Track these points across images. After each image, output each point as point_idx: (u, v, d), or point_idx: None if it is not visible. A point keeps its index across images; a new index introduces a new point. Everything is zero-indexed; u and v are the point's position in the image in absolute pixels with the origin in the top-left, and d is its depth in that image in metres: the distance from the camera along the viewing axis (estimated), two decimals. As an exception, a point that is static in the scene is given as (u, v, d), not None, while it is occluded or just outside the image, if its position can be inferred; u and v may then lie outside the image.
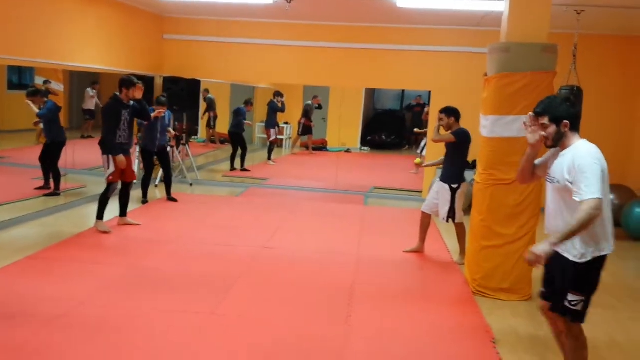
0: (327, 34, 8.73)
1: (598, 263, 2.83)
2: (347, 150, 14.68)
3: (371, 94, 16.52)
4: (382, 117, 16.53)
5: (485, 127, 4.58)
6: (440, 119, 5.46)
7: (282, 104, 11.46)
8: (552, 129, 2.88)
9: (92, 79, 10.81)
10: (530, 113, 2.98)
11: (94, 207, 6.89)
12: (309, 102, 12.88)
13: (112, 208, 6.03)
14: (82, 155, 7.68)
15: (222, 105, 12.68)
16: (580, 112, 3.01)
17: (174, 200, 7.47)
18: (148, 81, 8.64)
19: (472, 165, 7.27)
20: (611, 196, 2.92)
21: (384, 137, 15.81)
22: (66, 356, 3.17)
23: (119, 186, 5.97)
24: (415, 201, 8.37)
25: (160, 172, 7.84)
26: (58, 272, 4.59)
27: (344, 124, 14.97)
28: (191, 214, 6.85)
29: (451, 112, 5.41)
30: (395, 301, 4.34)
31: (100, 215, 5.82)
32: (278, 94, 11.40)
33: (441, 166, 5.63)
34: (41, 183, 7.33)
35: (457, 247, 5.60)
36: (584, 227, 2.67)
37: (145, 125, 6.99)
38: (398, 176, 10.68)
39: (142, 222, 6.20)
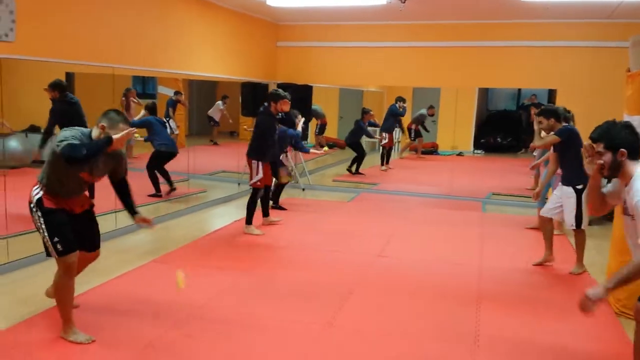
0: (439, 33, 8.44)
1: None
2: (460, 154, 14.15)
3: (484, 94, 15.80)
4: (496, 118, 15.74)
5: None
6: (539, 122, 5.08)
7: (404, 108, 11.39)
8: (608, 157, 2.63)
9: (210, 86, 11.31)
10: (588, 140, 2.75)
11: (214, 211, 7.19)
12: (424, 111, 12.54)
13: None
14: (203, 161, 7.98)
15: (331, 109, 12.75)
16: None
17: (283, 208, 7.33)
18: (262, 88, 8.85)
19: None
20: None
21: (499, 139, 15.05)
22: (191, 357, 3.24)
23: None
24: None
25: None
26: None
27: (456, 126, 14.46)
28: (303, 219, 6.86)
29: (549, 113, 5.03)
30: (526, 318, 3.99)
31: (249, 221, 6.10)
32: (400, 98, 11.35)
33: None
34: (167, 188, 7.47)
35: (593, 259, 5.10)
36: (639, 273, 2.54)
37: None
38: (517, 181, 10.04)
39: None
